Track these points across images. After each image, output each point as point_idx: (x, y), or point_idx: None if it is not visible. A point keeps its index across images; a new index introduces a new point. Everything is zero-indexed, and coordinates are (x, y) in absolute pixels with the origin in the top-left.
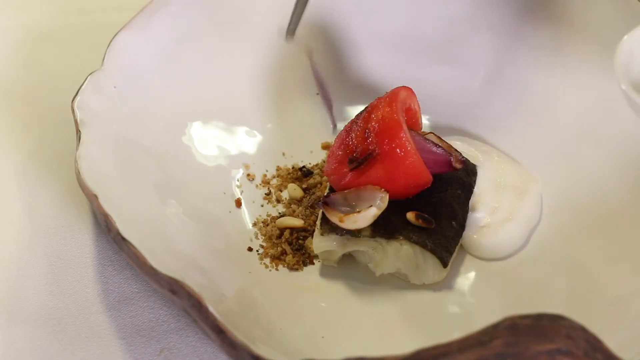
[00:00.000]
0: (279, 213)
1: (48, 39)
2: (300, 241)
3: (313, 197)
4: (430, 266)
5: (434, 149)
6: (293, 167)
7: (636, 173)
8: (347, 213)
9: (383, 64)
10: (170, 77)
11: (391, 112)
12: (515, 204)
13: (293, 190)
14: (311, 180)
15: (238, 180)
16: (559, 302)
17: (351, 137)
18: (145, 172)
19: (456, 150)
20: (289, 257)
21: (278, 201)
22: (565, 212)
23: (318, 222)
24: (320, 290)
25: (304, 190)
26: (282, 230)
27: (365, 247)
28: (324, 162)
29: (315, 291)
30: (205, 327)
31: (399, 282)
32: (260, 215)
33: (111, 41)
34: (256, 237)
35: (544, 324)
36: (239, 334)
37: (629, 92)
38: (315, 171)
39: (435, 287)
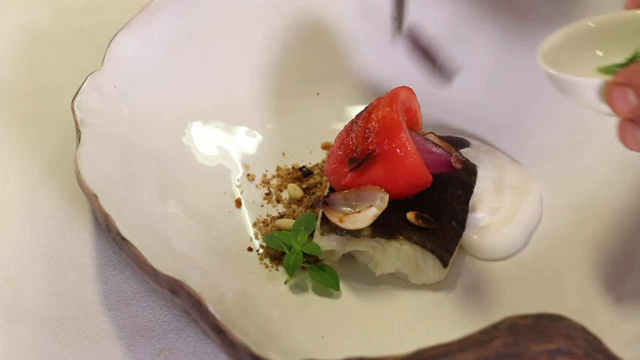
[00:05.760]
0: (279, 213)
1: (48, 39)
2: None
3: (313, 197)
4: (430, 266)
5: (434, 149)
6: (293, 167)
7: (636, 173)
8: (347, 213)
9: (383, 64)
10: (170, 77)
11: (391, 112)
12: (515, 205)
13: (293, 190)
14: (311, 180)
15: (238, 180)
16: (558, 302)
17: (351, 137)
18: (146, 172)
19: (456, 150)
20: None
21: (278, 201)
22: (565, 212)
23: (318, 222)
24: (321, 291)
25: (304, 190)
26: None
27: (365, 247)
28: (324, 162)
29: (315, 291)
30: (205, 327)
31: (399, 282)
32: (260, 215)
33: (111, 41)
34: (256, 237)
35: (543, 324)
36: (239, 334)
37: (558, 75)
38: (315, 171)
39: (435, 287)
